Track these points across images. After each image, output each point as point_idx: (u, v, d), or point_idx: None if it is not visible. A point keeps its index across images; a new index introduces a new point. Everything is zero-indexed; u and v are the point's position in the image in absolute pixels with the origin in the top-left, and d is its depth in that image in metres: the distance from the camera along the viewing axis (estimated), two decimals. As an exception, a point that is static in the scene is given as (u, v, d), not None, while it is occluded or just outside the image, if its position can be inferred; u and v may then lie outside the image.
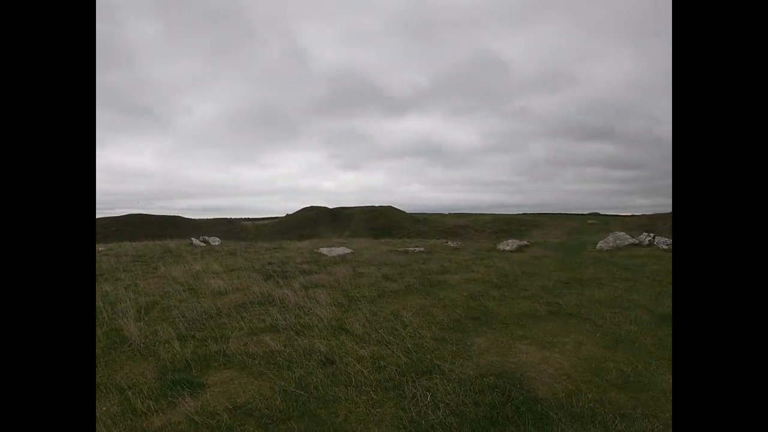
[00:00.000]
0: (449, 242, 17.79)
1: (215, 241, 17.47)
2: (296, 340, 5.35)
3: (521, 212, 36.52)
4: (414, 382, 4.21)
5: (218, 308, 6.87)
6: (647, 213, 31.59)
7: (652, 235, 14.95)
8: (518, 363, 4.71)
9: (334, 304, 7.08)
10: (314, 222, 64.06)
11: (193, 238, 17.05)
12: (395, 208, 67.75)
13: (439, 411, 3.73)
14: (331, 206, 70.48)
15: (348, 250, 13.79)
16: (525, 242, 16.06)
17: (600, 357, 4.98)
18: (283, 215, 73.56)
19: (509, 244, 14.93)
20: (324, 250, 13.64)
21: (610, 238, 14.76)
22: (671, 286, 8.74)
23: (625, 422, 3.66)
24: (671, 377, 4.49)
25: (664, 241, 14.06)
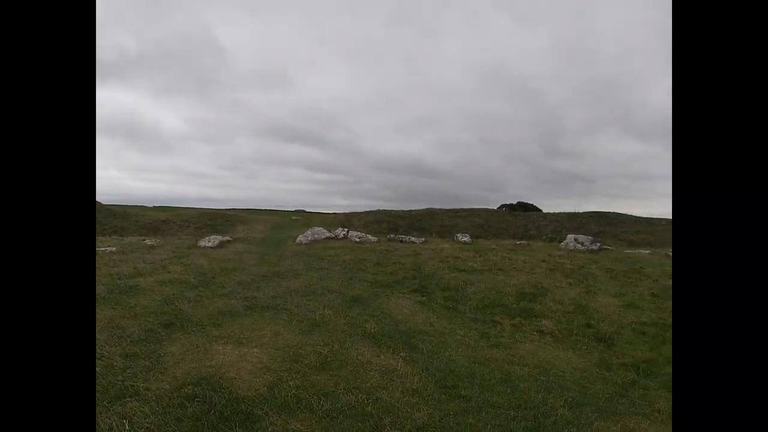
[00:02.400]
0: (147, 240, 16.13)
1: None
2: None
3: (228, 207, 35.80)
4: (107, 410, 3.61)
5: None
6: (345, 211, 35.31)
7: (346, 229, 16.83)
8: (216, 365, 4.54)
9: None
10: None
11: None
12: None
13: (135, 438, 3.30)
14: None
15: None
16: (227, 238, 15.85)
17: (297, 343, 5.23)
18: None
19: (211, 241, 14.50)
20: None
21: (309, 232, 15.89)
22: (359, 272, 10.05)
23: (330, 400, 3.92)
24: (368, 351, 5.14)
25: (357, 235, 15.99)
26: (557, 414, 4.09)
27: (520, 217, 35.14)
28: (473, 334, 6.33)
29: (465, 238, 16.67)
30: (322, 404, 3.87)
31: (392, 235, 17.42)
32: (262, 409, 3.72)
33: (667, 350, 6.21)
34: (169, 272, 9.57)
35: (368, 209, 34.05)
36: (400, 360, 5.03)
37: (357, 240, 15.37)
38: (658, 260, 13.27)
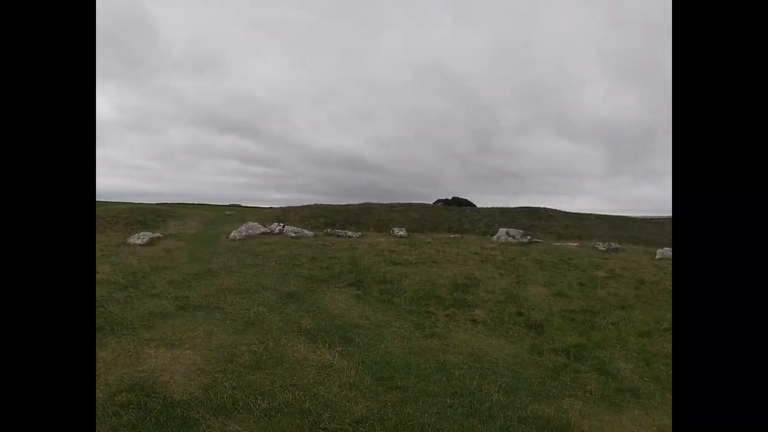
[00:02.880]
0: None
1: None
2: None
3: (159, 201, 34.04)
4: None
5: None
6: (282, 206, 34.63)
7: (282, 224, 16.49)
8: (149, 370, 4.35)
9: None
10: None
11: None
12: None
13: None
14: None
15: None
16: (158, 234, 15.12)
17: (231, 343, 5.11)
18: None
19: (141, 238, 13.76)
20: None
21: (243, 227, 15.45)
22: (295, 268, 9.92)
23: (266, 399, 3.87)
24: (305, 347, 5.09)
25: (293, 230, 15.73)
26: (492, 399, 4.25)
27: (455, 211, 36.12)
28: (408, 326, 6.45)
29: (401, 232, 16.87)
30: (259, 403, 3.82)
31: (329, 230, 17.34)
32: (199, 413, 3.63)
33: (596, 335, 6.62)
34: (96, 272, 9.01)
35: (305, 204, 33.72)
36: (337, 354, 5.03)
37: (293, 235, 15.16)
38: (586, 252, 14.04)
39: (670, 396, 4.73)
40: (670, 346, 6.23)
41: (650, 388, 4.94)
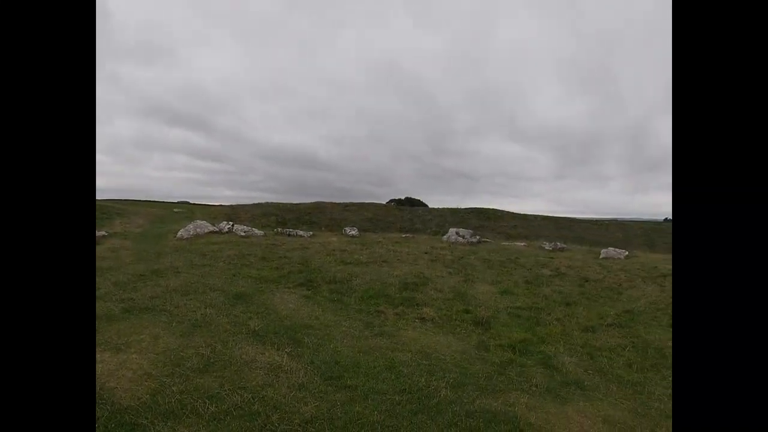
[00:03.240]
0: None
1: None
2: None
3: (106, 198, 32.44)
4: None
5: None
6: (232, 203, 33.85)
7: (231, 223, 16.16)
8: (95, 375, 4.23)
9: None
10: None
11: None
12: None
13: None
14: None
15: None
16: (103, 233, 14.49)
17: (178, 346, 5.03)
18: None
19: (80, 238, 13.11)
20: None
21: (191, 226, 15.06)
22: (244, 268, 9.78)
23: (215, 403, 3.85)
24: (253, 349, 5.05)
25: (242, 229, 15.44)
26: (440, 395, 4.38)
27: (407, 211, 36.55)
28: (358, 325, 6.52)
29: (353, 232, 16.93)
30: (208, 407, 3.80)
31: (279, 229, 17.17)
32: (147, 418, 3.57)
33: (541, 330, 6.90)
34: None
35: (256, 202, 33.18)
36: (285, 356, 5.04)
37: (242, 234, 14.91)
38: (532, 251, 14.56)
39: (614, 387, 5.02)
40: (613, 340, 6.60)
41: (594, 380, 5.21)
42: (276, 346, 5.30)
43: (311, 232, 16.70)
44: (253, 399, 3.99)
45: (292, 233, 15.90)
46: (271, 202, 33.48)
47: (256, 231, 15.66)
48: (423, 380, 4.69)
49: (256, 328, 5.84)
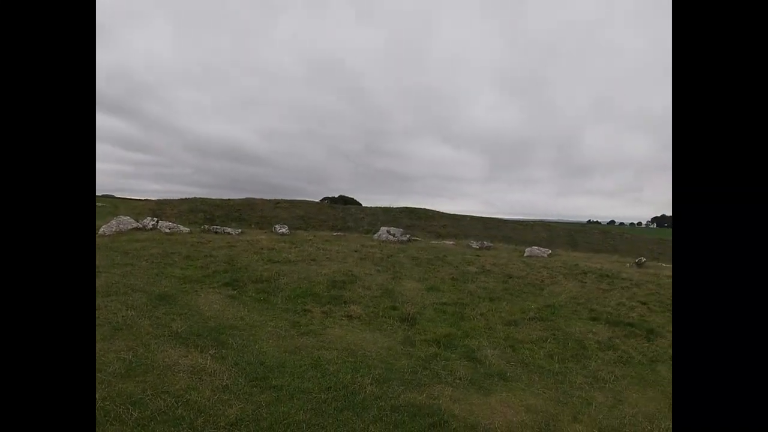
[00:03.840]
0: None
1: None
2: None
3: None
4: None
5: None
6: (158, 198, 32.23)
7: (156, 219, 15.44)
8: None
9: None
10: None
11: None
12: None
13: None
14: None
15: None
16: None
17: (99, 351, 4.78)
18: None
19: None
20: None
21: (114, 222, 14.27)
22: (167, 267, 9.42)
23: (138, 408, 3.76)
24: (176, 352, 4.93)
25: (167, 225, 14.81)
26: (366, 391, 4.51)
27: (340, 210, 36.54)
28: (284, 324, 6.52)
29: (283, 230, 16.74)
30: (132, 413, 3.71)
31: (207, 226, 16.64)
32: (64, 427, 3.41)
33: (465, 325, 7.18)
34: None
35: (184, 196, 31.88)
36: (209, 358, 4.98)
37: (167, 231, 14.33)
38: (460, 250, 15.06)
39: (536, 378, 5.32)
40: (535, 333, 6.97)
41: (517, 371, 5.50)
42: (200, 349, 5.21)
43: (240, 230, 16.33)
44: (177, 403, 3.93)
45: (219, 230, 15.48)
46: (199, 198, 32.33)
47: (182, 228, 15.11)
48: (349, 377, 4.80)
49: (180, 330, 5.70)
